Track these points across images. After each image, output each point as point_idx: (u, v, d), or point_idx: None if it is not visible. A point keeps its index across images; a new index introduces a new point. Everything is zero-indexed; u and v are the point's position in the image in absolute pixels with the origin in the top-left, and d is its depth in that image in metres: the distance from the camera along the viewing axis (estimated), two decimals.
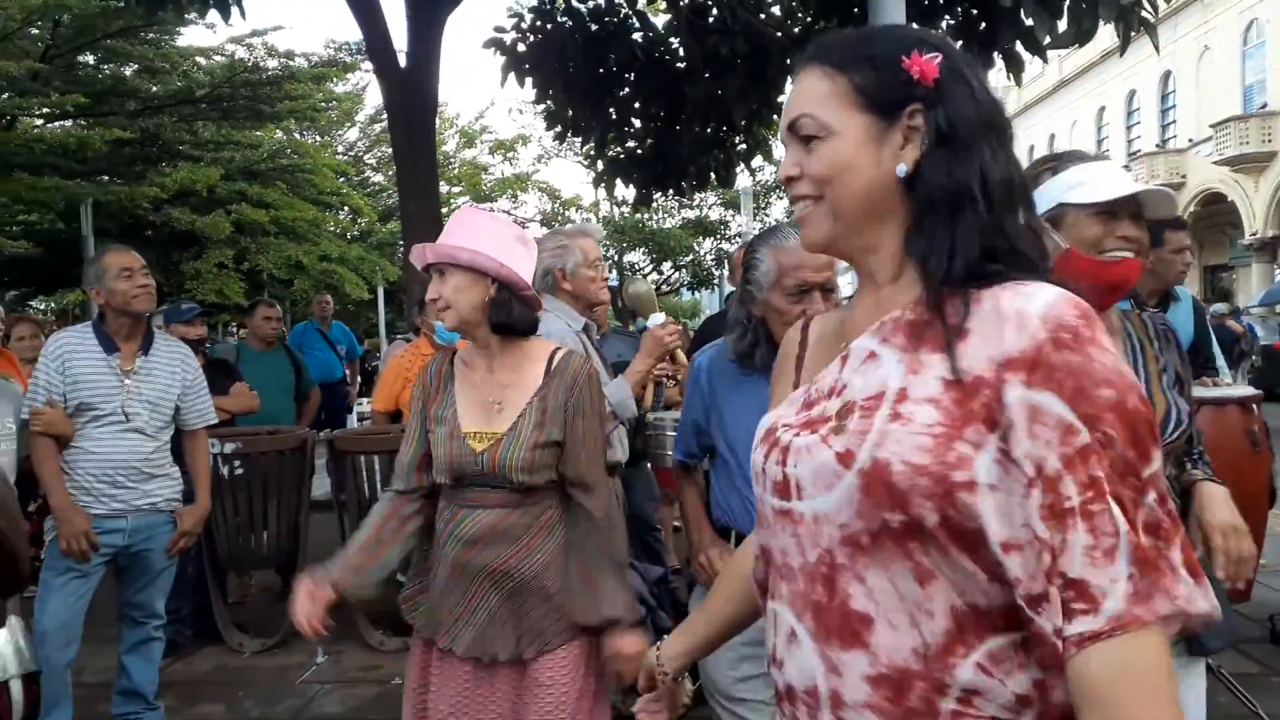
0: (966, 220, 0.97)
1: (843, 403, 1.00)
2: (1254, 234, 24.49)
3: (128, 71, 15.07)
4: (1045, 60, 6.13)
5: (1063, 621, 0.85)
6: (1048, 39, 5.54)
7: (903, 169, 1.00)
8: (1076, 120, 33.58)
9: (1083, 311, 0.89)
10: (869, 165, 1.01)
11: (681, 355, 3.41)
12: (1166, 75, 28.58)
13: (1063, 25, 5.42)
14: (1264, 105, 24.69)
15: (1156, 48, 5.67)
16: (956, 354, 0.92)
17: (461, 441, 2.10)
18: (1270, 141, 23.81)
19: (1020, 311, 0.90)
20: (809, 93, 1.04)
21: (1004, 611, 0.90)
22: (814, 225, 1.05)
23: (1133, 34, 5.51)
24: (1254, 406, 3.64)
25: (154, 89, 15.14)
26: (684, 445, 2.53)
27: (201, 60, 15.99)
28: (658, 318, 2.74)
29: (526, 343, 2.21)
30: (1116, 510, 0.84)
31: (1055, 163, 1.70)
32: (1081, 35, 5.41)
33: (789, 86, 1.13)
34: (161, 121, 15.05)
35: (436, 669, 2.16)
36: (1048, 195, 1.64)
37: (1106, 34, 5.72)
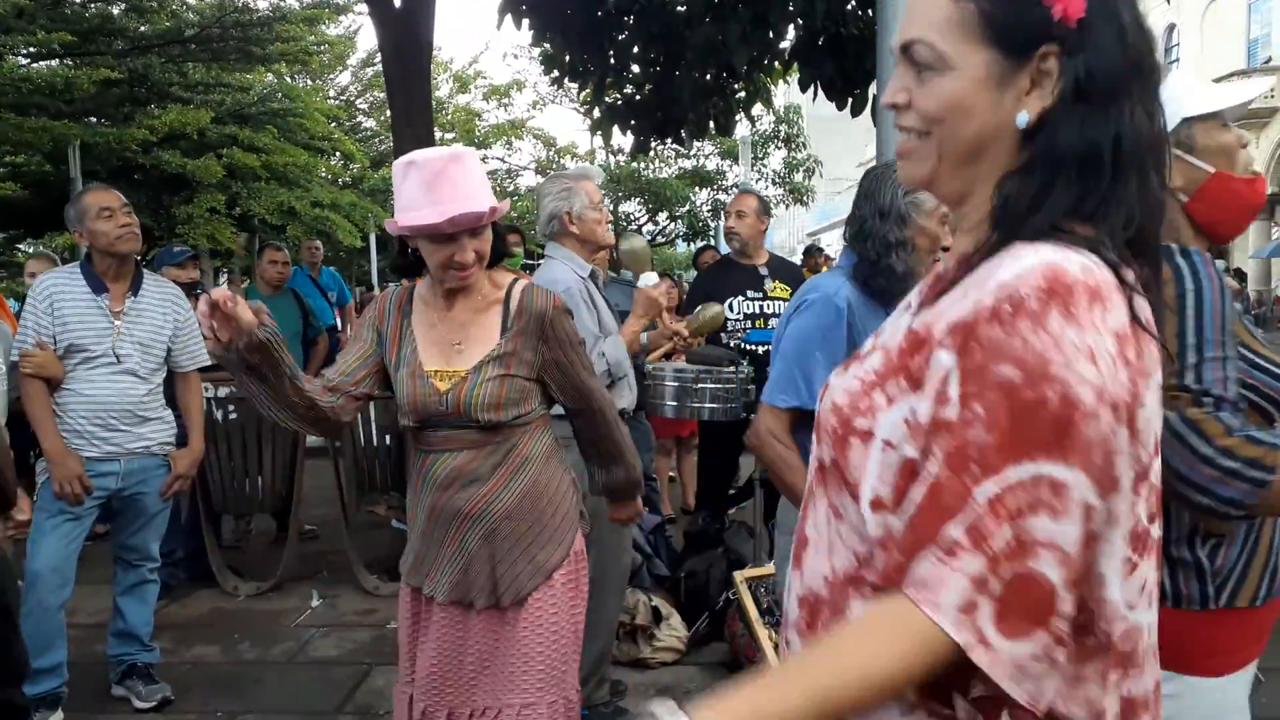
0: (1087, 188, 0.87)
1: (871, 345, 1.01)
2: None
3: (115, 10, 14.76)
4: None
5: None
6: None
7: (1024, 119, 0.88)
8: None
9: (1052, 285, 0.80)
10: (986, 110, 0.89)
11: (667, 317, 3.38)
12: (1171, 28, 28.27)
13: None
14: (1268, 60, 24.45)
15: None
16: (940, 312, 0.88)
17: (425, 380, 2.05)
18: (1274, 97, 23.61)
19: (990, 276, 0.83)
20: (929, 12, 0.91)
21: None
22: (915, 163, 0.95)
23: None
24: None
25: (142, 28, 14.85)
26: (814, 385, 2.11)
27: None
28: (650, 278, 2.68)
29: (484, 279, 2.13)
30: (920, 489, 0.81)
31: None
32: None
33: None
34: (150, 62, 14.77)
35: (424, 616, 2.17)
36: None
37: None
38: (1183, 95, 1.41)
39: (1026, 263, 0.82)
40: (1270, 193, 24.11)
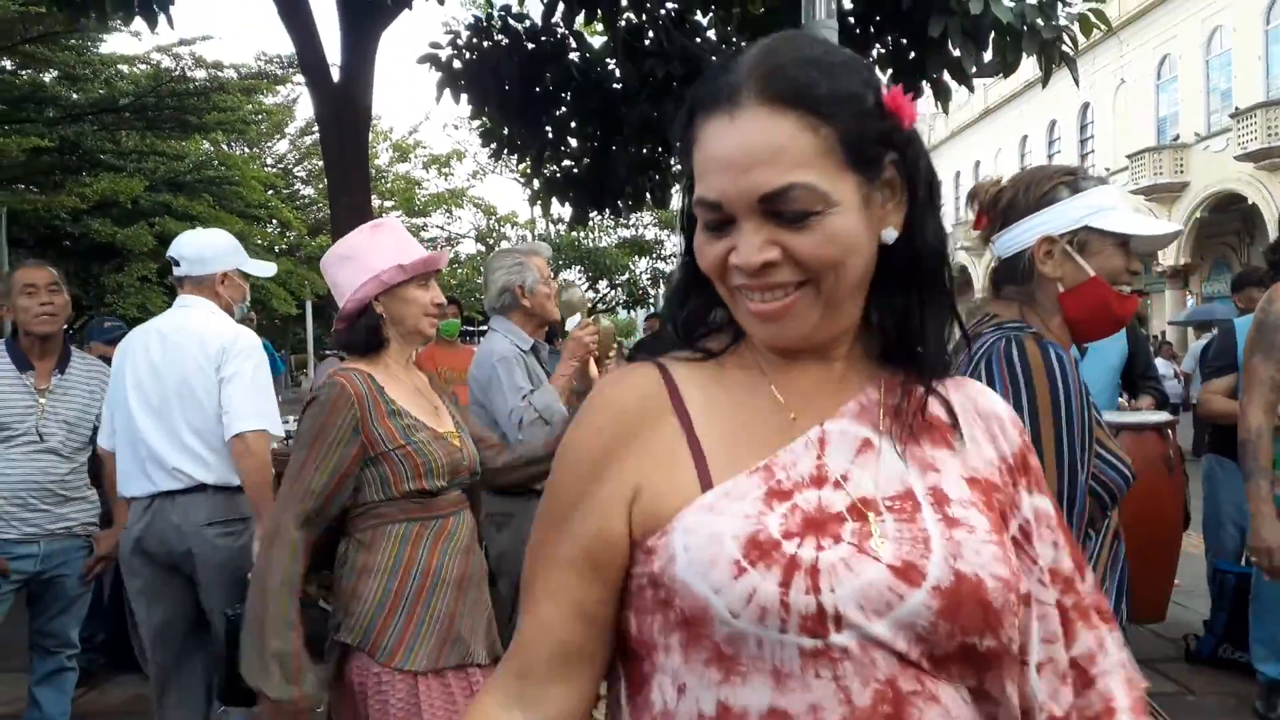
0: (945, 288, 0.87)
1: (851, 500, 0.81)
2: (1167, 263, 25.45)
3: (47, 78, 14.63)
4: (971, 90, 6.31)
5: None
6: (974, 69, 5.71)
7: (891, 234, 0.82)
8: (1001, 148, 34.55)
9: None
10: (866, 238, 0.81)
11: (594, 366, 3.39)
12: (1085, 106, 29.62)
13: (988, 56, 5.59)
14: (1176, 137, 25.71)
15: (1076, 81, 5.87)
16: (968, 454, 0.87)
17: (446, 442, 2.06)
18: (1182, 172, 24.78)
19: (995, 413, 0.91)
20: (794, 152, 0.77)
21: None
22: (800, 318, 0.82)
23: (1054, 66, 5.70)
24: (1169, 431, 3.75)
25: (75, 96, 14.73)
26: None
27: (125, 68, 15.62)
28: (576, 319, 2.70)
29: None
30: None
31: (1071, 178, 1.57)
32: (1006, 67, 5.60)
33: None
34: (82, 130, 14.65)
35: (433, 694, 1.95)
36: (1069, 214, 1.53)
37: (1029, 65, 5.92)
38: (1098, 207, 1.53)
39: (996, 394, 0.95)
40: (1184, 263, 25.19)
